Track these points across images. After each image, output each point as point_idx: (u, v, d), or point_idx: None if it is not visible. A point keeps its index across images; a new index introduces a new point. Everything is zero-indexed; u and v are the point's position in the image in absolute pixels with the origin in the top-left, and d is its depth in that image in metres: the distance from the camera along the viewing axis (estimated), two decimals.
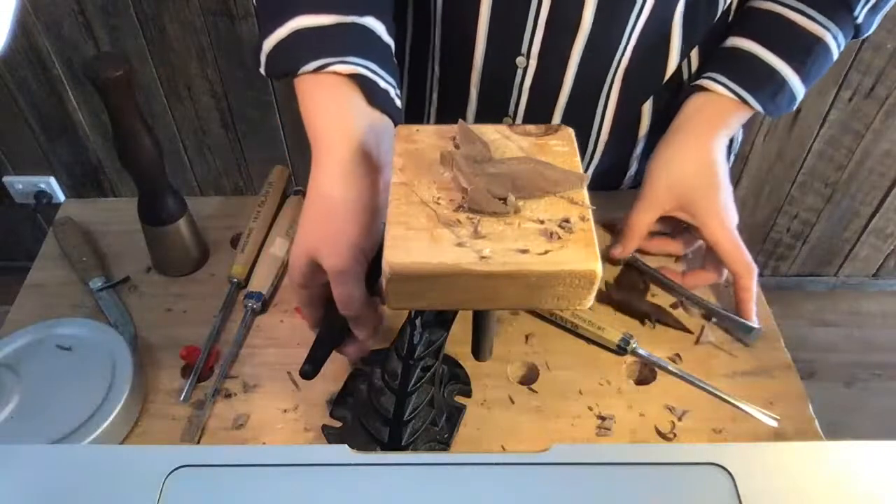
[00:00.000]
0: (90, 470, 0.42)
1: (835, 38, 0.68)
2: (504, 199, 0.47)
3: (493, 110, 0.75)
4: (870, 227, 1.79)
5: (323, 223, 0.54)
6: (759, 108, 0.69)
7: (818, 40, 0.68)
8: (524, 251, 0.45)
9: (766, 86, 0.69)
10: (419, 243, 0.45)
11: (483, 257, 0.44)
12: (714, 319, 0.71)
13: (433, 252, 0.45)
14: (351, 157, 0.54)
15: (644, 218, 0.71)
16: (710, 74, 0.70)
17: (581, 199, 0.48)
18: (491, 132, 0.52)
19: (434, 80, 0.78)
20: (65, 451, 0.47)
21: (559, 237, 0.45)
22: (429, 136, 0.52)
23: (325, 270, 0.54)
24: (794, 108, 0.70)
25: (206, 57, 1.48)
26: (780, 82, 0.69)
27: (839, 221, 1.78)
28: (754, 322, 0.68)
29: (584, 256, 0.45)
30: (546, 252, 0.45)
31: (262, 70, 0.61)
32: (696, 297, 0.72)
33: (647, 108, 0.77)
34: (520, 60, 0.70)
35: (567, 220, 0.46)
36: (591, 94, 0.74)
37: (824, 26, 0.67)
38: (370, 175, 0.55)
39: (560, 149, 0.51)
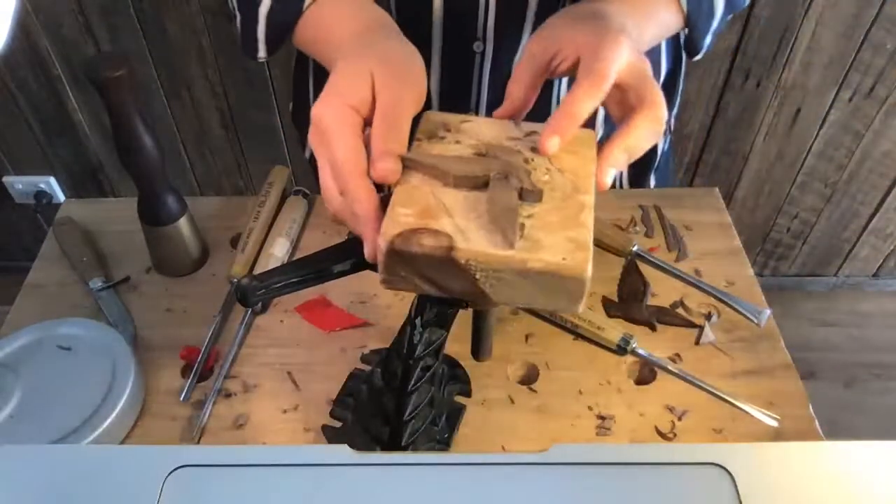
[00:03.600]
0: (90, 470, 0.42)
1: None
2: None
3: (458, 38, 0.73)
4: (870, 227, 1.79)
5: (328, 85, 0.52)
6: (684, 3, 0.63)
7: None
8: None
9: None
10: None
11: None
12: (714, 318, 0.71)
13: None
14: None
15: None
16: None
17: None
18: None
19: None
20: (65, 451, 0.47)
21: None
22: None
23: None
24: (707, 37, 0.67)
25: (206, 57, 1.48)
26: None
27: (839, 221, 1.78)
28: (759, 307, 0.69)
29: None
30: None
31: (261, 45, 0.65)
32: (703, 284, 0.72)
33: None
34: None
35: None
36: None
37: None
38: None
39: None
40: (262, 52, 0.67)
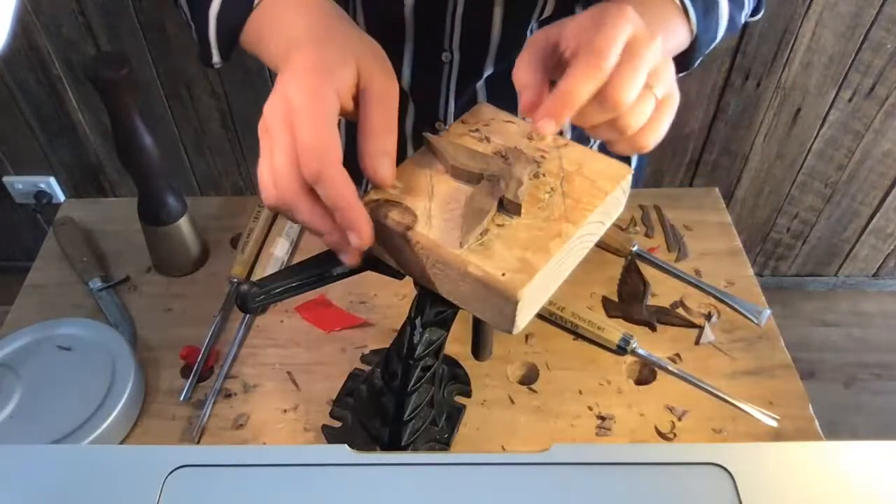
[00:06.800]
0: (90, 470, 0.42)
1: None
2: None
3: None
4: (870, 227, 1.79)
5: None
6: (693, 18, 0.58)
7: None
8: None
9: None
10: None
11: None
12: (714, 318, 0.71)
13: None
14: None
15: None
16: None
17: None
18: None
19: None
20: (65, 451, 0.47)
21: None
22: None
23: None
24: (708, 47, 0.63)
25: None
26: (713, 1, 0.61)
27: (839, 221, 1.78)
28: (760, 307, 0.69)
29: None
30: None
31: (214, 49, 0.59)
32: (703, 284, 0.73)
33: None
34: None
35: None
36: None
37: None
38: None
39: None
40: (215, 57, 0.61)
